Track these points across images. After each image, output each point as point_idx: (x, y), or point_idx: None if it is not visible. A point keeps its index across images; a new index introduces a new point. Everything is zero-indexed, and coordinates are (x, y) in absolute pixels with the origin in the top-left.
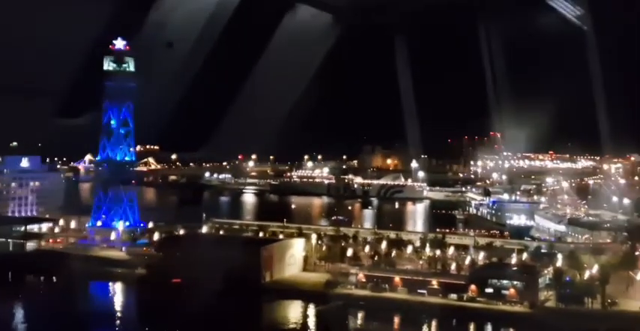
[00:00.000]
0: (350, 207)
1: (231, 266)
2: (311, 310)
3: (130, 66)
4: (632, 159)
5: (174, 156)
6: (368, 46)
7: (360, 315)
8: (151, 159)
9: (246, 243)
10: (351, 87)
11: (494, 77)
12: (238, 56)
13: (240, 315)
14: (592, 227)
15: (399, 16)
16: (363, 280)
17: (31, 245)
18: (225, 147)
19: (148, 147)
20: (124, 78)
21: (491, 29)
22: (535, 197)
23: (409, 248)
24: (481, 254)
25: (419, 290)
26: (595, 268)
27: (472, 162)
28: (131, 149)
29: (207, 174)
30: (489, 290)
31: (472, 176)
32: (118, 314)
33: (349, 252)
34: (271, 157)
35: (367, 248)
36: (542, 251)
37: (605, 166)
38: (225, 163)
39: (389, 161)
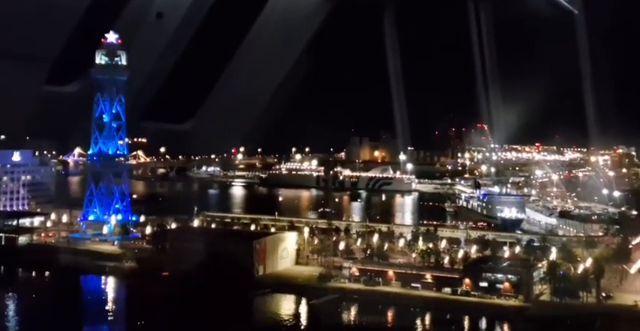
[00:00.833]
0: (338, 200)
1: (224, 260)
2: (304, 303)
3: (122, 59)
4: (620, 151)
5: (162, 149)
6: (355, 31)
7: (353, 309)
8: (140, 152)
9: (238, 237)
10: (337, 79)
11: (483, 68)
12: (222, 40)
13: (233, 309)
14: (584, 220)
15: None
16: (357, 274)
17: (23, 239)
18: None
19: (135, 139)
20: (115, 71)
21: (480, 16)
22: (525, 189)
23: (401, 242)
24: (474, 248)
25: (412, 284)
26: (588, 261)
27: (459, 154)
28: (122, 142)
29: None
30: (484, 283)
31: (460, 168)
32: (110, 308)
33: (341, 246)
34: (259, 150)
35: (359, 242)
36: (535, 244)
37: (593, 158)
38: (213, 156)
39: (376, 153)
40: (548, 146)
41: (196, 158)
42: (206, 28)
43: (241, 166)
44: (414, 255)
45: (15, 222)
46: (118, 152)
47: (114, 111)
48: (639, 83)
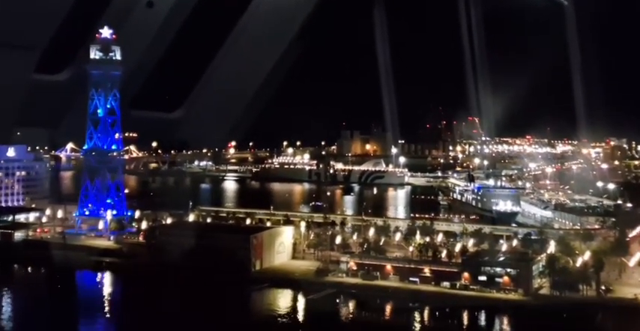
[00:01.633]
0: (331, 193)
1: (220, 255)
2: (301, 298)
3: (117, 54)
4: (612, 143)
5: (154, 144)
6: (345, 23)
7: (351, 303)
8: (132, 147)
9: (235, 231)
10: (327, 72)
11: (473, 61)
12: (210, 32)
13: (230, 304)
14: (580, 212)
15: None
16: (354, 268)
17: (19, 235)
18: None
19: (127, 134)
20: (110, 67)
21: (470, 8)
22: (520, 182)
23: (397, 236)
24: (470, 241)
25: (411, 278)
26: (587, 254)
27: (450, 147)
28: (118, 136)
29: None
30: (483, 277)
31: (451, 161)
32: (107, 303)
33: (338, 240)
34: (250, 144)
35: (355, 236)
36: (532, 237)
37: (584, 150)
38: (205, 150)
39: (368, 147)
40: (539, 138)
41: (188, 152)
42: (195, 18)
43: (233, 160)
44: (411, 249)
45: (11, 218)
46: (114, 147)
47: (108, 106)
48: (629, 75)
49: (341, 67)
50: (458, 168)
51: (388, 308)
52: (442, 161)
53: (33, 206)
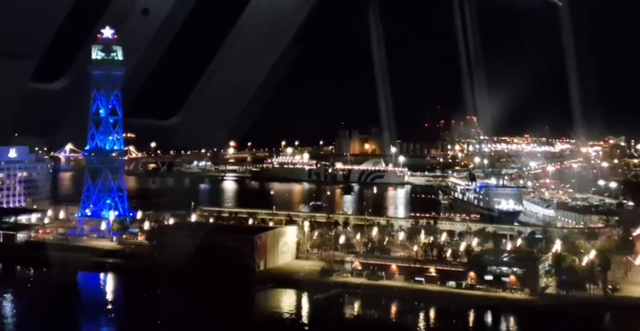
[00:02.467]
0: (330, 193)
1: (224, 255)
2: (306, 298)
3: (118, 55)
4: (611, 142)
5: (153, 144)
6: (343, 23)
7: (357, 303)
8: (131, 148)
9: (239, 232)
10: (325, 72)
11: (470, 60)
12: (208, 33)
13: (234, 304)
14: (582, 211)
15: None
16: (359, 268)
17: (21, 236)
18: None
19: (125, 135)
20: (112, 67)
21: (466, 7)
22: (521, 181)
23: (401, 235)
24: (475, 240)
25: (416, 278)
26: (592, 253)
27: (449, 146)
28: (119, 137)
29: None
30: (489, 277)
31: (450, 160)
32: (110, 304)
33: (342, 239)
34: (249, 144)
35: (359, 236)
36: (537, 236)
37: (583, 149)
38: (204, 150)
39: (366, 146)
40: (537, 137)
41: (187, 153)
42: (192, 21)
43: (232, 160)
44: (415, 248)
45: (13, 219)
46: (115, 147)
47: (110, 107)
48: (626, 74)
49: (339, 66)
50: (457, 167)
51: (393, 308)
52: (441, 160)
53: (34, 207)
